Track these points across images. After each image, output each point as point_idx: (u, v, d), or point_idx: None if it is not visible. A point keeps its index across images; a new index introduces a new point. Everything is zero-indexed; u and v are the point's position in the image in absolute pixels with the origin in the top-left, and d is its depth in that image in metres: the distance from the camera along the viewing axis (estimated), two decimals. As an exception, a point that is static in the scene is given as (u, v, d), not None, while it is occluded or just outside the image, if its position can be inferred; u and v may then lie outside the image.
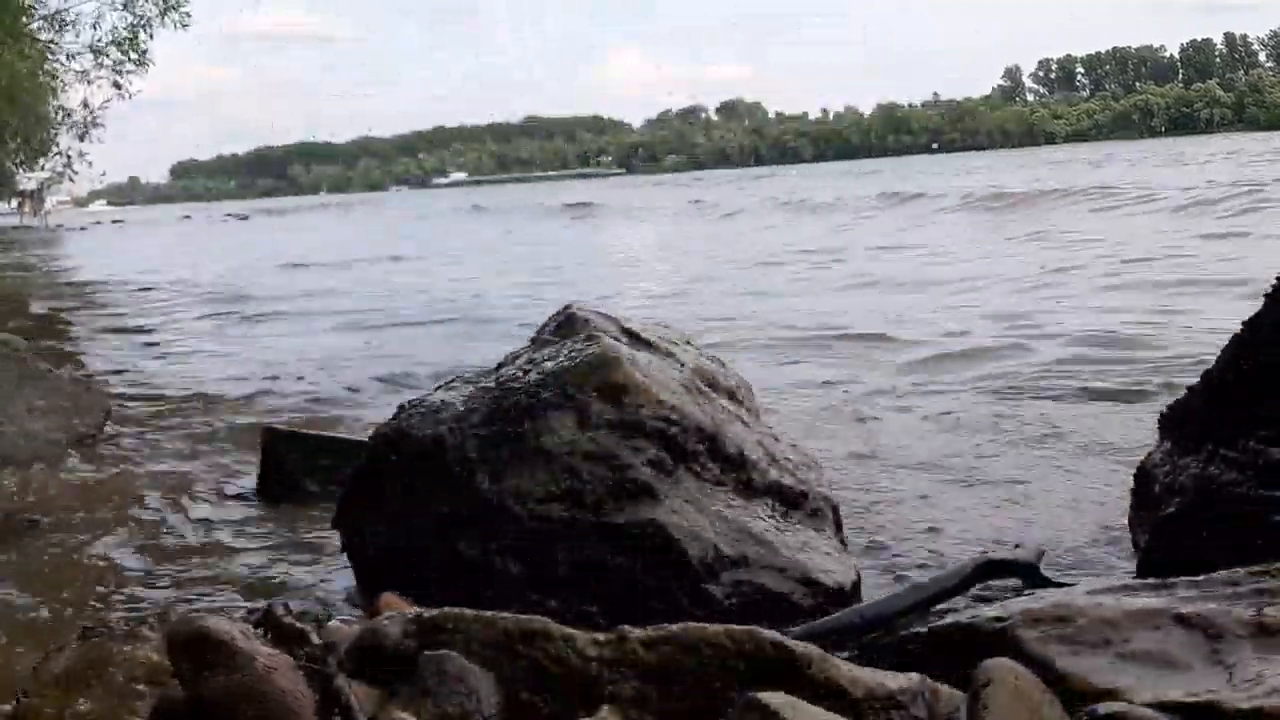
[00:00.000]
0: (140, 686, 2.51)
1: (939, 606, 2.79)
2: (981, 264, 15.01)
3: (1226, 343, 3.12)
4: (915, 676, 2.04)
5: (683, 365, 3.50)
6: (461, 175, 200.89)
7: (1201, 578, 2.42)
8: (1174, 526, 3.05)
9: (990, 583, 3.09)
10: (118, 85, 31.98)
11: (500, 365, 3.56)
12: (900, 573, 3.49)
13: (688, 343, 3.86)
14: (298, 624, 2.06)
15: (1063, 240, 17.53)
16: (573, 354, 3.18)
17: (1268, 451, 2.91)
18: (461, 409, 3.26)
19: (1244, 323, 3.09)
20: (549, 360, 3.25)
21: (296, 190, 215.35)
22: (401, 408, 3.45)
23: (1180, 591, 2.38)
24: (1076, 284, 11.65)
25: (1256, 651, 2.09)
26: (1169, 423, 3.26)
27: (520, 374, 3.28)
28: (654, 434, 3.01)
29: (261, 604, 2.96)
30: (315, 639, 2.01)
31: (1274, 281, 3.04)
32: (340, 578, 3.62)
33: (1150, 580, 2.56)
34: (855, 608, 2.83)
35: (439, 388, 3.55)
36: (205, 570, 3.80)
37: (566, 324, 3.56)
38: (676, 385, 3.22)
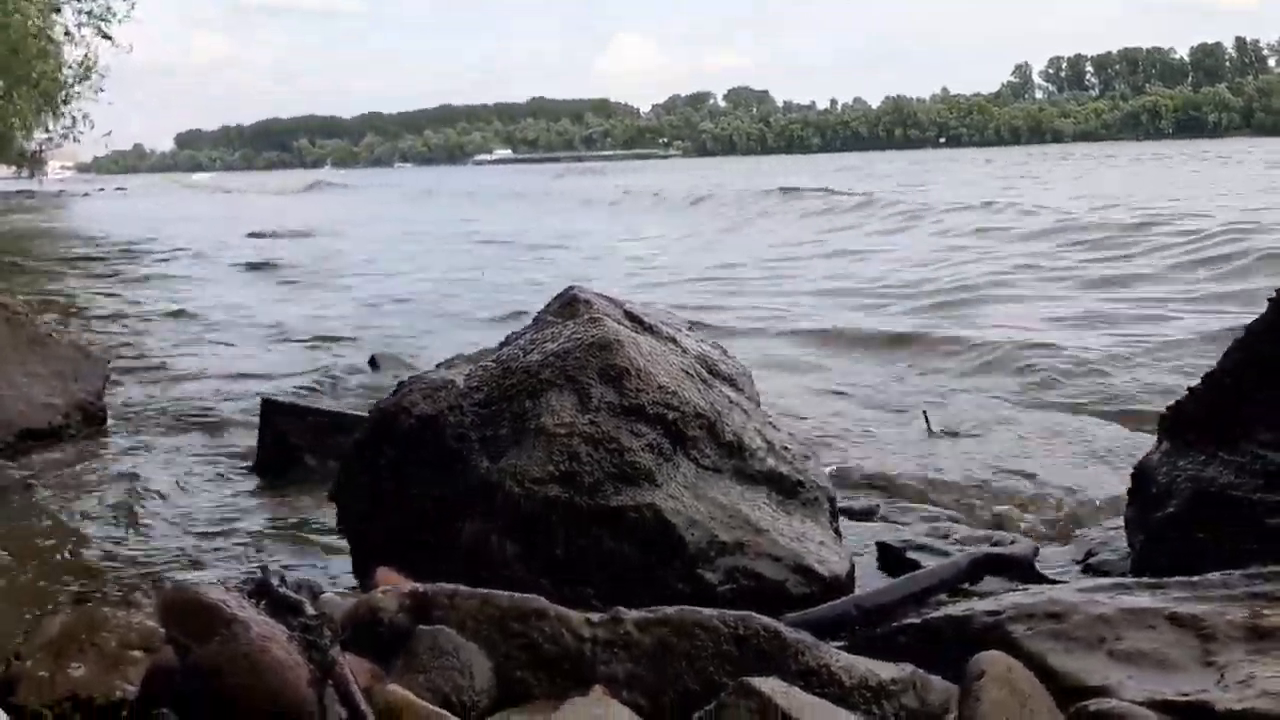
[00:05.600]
0: (133, 652, 2.51)
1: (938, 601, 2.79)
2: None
3: (1229, 346, 3.11)
4: (908, 667, 2.04)
5: (684, 351, 3.49)
6: (506, 152, 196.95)
7: (1196, 579, 2.43)
8: (1170, 527, 3.05)
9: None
10: (106, 36, 31.91)
11: (502, 345, 3.56)
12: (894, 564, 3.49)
13: (689, 329, 3.85)
14: (292, 595, 2.06)
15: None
16: (575, 336, 3.18)
17: (1267, 455, 2.92)
18: (462, 387, 3.26)
19: (1246, 327, 3.09)
20: (550, 341, 3.24)
21: (301, 163, 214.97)
22: (402, 384, 3.44)
23: (1174, 592, 2.38)
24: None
25: (1249, 653, 2.10)
26: (1168, 424, 3.26)
27: (521, 354, 3.28)
28: (654, 419, 3.01)
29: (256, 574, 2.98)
30: (310, 610, 2.01)
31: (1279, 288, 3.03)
32: (336, 552, 3.62)
33: (1145, 579, 2.57)
34: (851, 598, 2.83)
35: (440, 365, 3.55)
36: (200, 540, 3.81)
37: (568, 305, 3.55)
38: (677, 371, 3.22)
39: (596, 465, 2.90)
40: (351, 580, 3.31)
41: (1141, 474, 3.29)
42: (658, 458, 2.98)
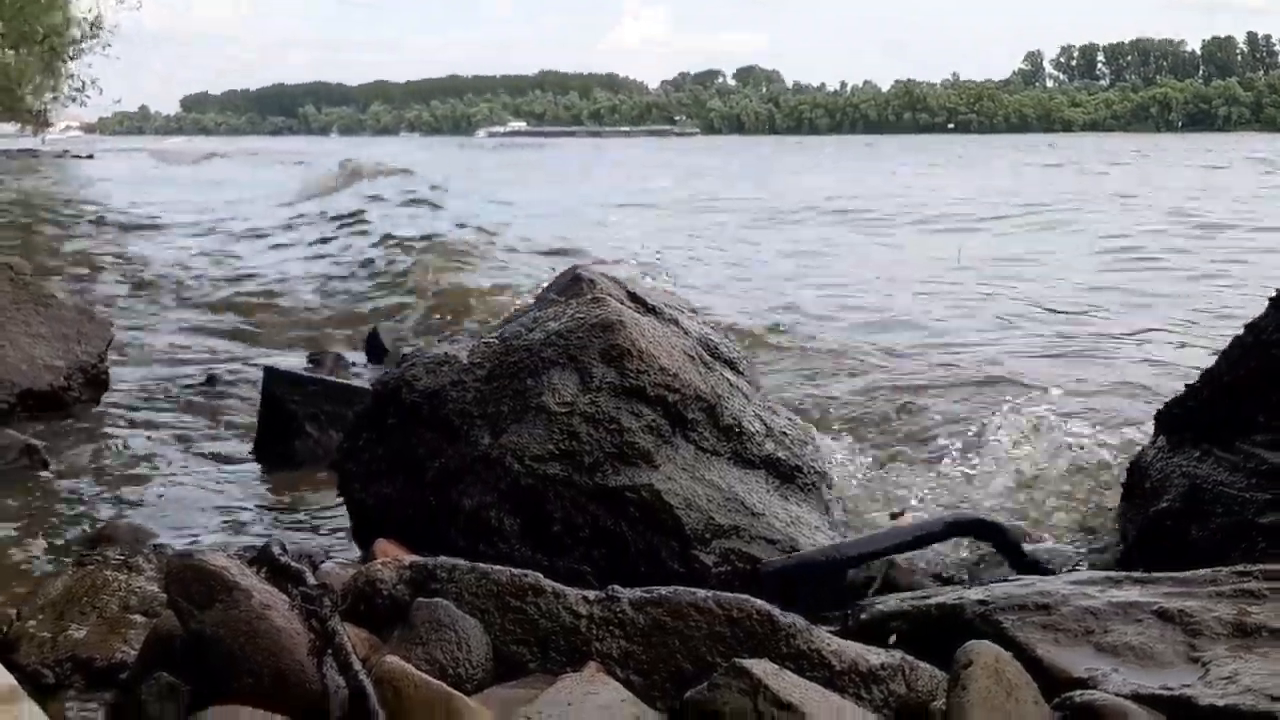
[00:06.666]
0: (134, 616, 2.56)
1: (923, 592, 2.81)
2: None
3: (1228, 344, 3.13)
4: (897, 654, 2.07)
5: (686, 333, 3.51)
6: (520, 125, 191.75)
7: (1185, 574, 2.46)
8: (1163, 522, 3.08)
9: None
10: None
11: (505, 322, 3.58)
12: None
13: (692, 311, 3.87)
14: (294, 564, 2.09)
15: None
16: (578, 315, 3.19)
17: (1261, 455, 2.94)
18: (465, 362, 3.28)
19: (1246, 326, 3.11)
20: (553, 320, 3.26)
21: (307, 130, 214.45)
22: (405, 357, 3.47)
23: (1164, 587, 2.41)
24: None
25: (1233, 650, 2.13)
26: (1165, 419, 3.29)
27: (524, 331, 3.30)
28: (654, 400, 3.03)
29: (258, 542, 3.01)
30: (311, 580, 2.04)
31: (1280, 286, 3.05)
32: (337, 522, 3.66)
33: (1135, 574, 2.60)
34: (832, 545, 2.87)
35: (443, 341, 3.57)
36: (200, 508, 3.84)
37: (572, 285, 3.56)
38: (679, 353, 3.24)
39: (596, 445, 2.92)
40: (351, 548, 3.35)
41: (1136, 468, 3.32)
42: (657, 439, 3.00)
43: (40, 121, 38.64)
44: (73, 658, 2.41)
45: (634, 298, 3.59)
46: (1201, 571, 2.48)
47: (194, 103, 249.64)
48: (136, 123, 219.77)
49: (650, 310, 3.56)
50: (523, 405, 3.04)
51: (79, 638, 2.47)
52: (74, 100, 37.83)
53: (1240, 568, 2.45)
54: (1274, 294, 3.03)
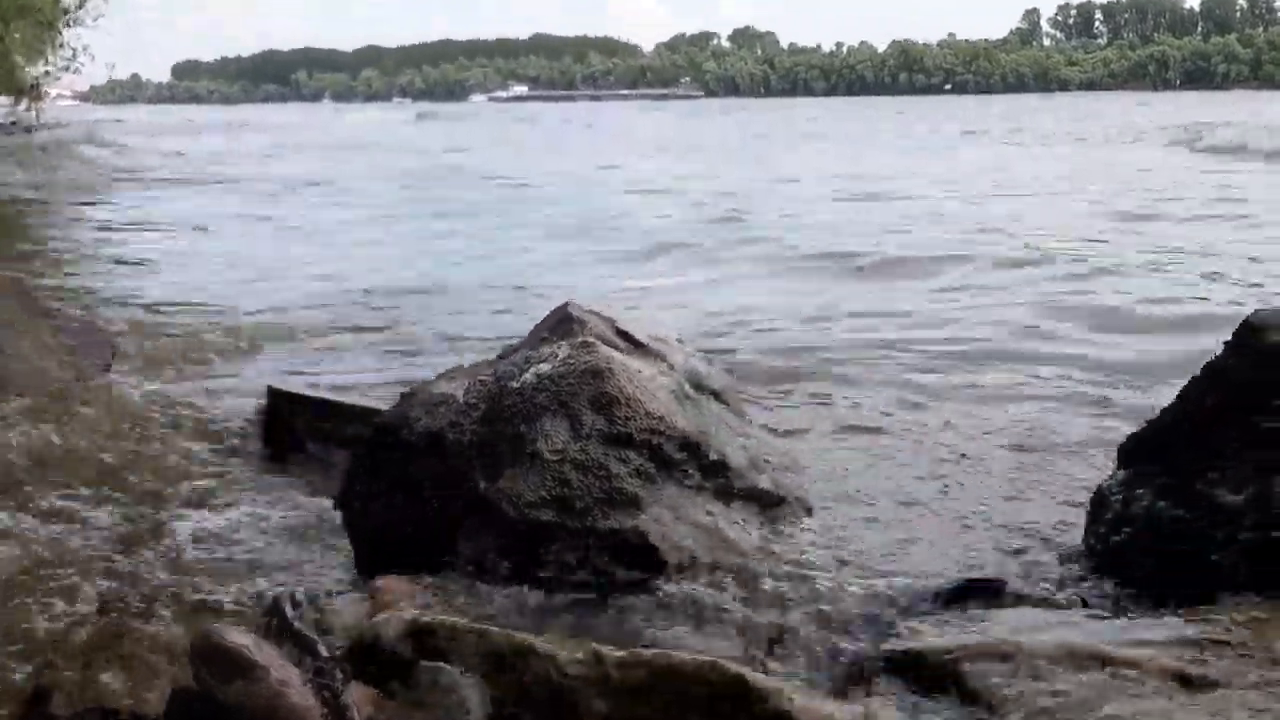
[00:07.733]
0: (157, 664, 2.74)
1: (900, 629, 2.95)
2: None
3: (1186, 384, 3.29)
4: (858, 709, 2.25)
5: (672, 368, 3.67)
6: (522, 89, 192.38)
7: (1135, 620, 2.63)
8: (1123, 555, 3.25)
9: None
10: None
11: (499, 357, 3.74)
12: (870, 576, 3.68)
13: (678, 340, 4.03)
14: (306, 632, 2.26)
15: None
16: (569, 360, 3.35)
17: (1213, 493, 3.10)
18: (461, 402, 3.44)
19: (1205, 365, 3.26)
20: (545, 362, 3.41)
21: (299, 96, 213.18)
22: (404, 395, 3.62)
23: (1114, 633, 2.59)
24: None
25: (1174, 700, 2.31)
26: (1126, 453, 3.45)
27: (517, 370, 3.45)
28: (641, 445, 3.20)
29: (268, 589, 3.18)
30: (323, 650, 2.21)
31: (1238, 327, 3.20)
32: (340, 545, 3.80)
33: (1091, 613, 2.78)
34: None
35: (440, 377, 3.73)
36: (206, 536, 3.98)
37: (563, 323, 3.71)
38: (665, 394, 3.40)
39: (586, 490, 3.09)
40: (355, 574, 3.50)
41: (1100, 498, 3.48)
42: (644, 482, 3.17)
43: (35, 95, 38.51)
44: (100, 708, 2.58)
45: (621, 334, 3.74)
46: (1148, 618, 2.66)
47: (186, 70, 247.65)
48: (129, 91, 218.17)
49: (637, 346, 3.72)
50: (518, 450, 3.20)
51: (106, 687, 2.65)
52: (67, 70, 37.80)
53: (1191, 613, 2.63)
54: (1231, 336, 3.18)
